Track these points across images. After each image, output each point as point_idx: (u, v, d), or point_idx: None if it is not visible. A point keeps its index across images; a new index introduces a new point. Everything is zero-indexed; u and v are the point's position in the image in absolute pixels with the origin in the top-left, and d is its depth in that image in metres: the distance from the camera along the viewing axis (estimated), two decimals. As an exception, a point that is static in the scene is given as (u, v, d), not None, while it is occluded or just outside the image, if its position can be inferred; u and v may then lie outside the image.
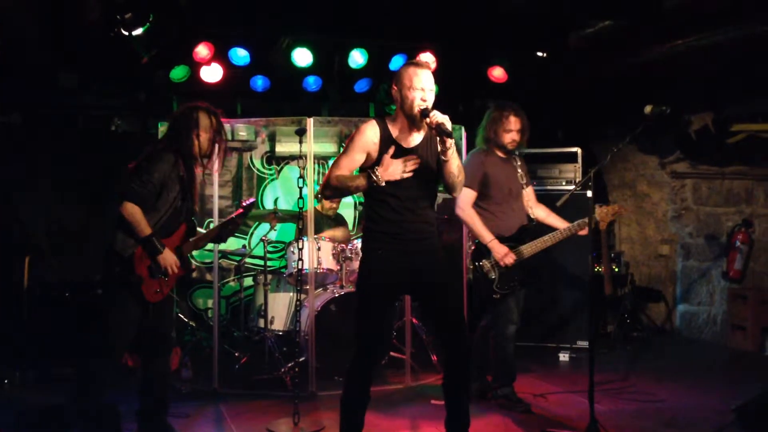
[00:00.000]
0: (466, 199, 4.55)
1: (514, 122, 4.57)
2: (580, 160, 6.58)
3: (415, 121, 3.45)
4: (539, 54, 6.38)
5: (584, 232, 4.42)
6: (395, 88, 3.49)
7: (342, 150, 3.53)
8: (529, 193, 4.78)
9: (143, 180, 3.70)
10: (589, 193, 3.99)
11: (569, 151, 6.61)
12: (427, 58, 6.42)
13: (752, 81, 5.88)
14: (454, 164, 3.45)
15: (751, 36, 5.06)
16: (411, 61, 3.63)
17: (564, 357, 6.19)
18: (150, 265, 3.74)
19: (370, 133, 3.46)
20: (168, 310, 4.00)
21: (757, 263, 6.93)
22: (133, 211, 3.66)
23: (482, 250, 4.57)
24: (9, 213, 5.61)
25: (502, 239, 4.55)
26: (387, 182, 3.38)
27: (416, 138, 3.53)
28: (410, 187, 3.45)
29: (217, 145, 3.98)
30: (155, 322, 3.90)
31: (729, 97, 6.37)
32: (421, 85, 3.41)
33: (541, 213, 4.77)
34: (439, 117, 3.31)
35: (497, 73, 6.61)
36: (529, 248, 4.55)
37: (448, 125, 3.31)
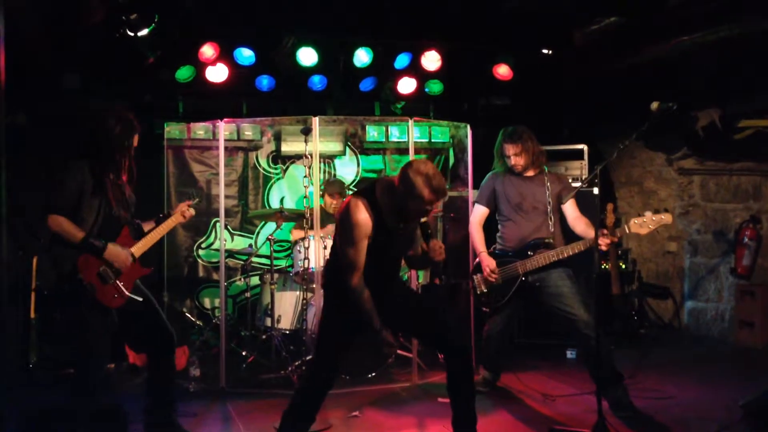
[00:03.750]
0: (475, 213, 4.97)
1: (507, 148, 4.72)
2: (586, 157, 6.57)
3: (403, 217, 3.47)
4: (545, 51, 6.37)
5: (604, 242, 4.25)
6: (401, 187, 3.36)
7: (346, 241, 3.43)
8: (567, 209, 4.65)
9: (58, 190, 3.69)
10: (596, 190, 3.99)
11: (575, 148, 6.60)
12: (432, 56, 6.42)
13: (759, 77, 5.85)
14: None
15: (757, 32, 5.04)
16: (434, 182, 3.33)
17: (571, 354, 6.17)
18: (98, 271, 3.69)
19: (367, 222, 3.40)
20: (151, 311, 3.93)
21: (765, 259, 6.90)
22: (59, 221, 3.63)
23: (479, 264, 4.81)
24: (16, 213, 5.63)
25: (504, 254, 4.75)
26: (371, 262, 3.43)
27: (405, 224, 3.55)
28: (392, 262, 3.69)
29: (124, 154, 3.88)
30: (148, 324, 3.90)
31: (736, 93, 6.34)
32: (431, 207, 3.41)
33: (578, 227, 4.60)
34: (438, 249, 3.49)
35: (503, 70, 6.60)
36: (524, 264, 4.62)
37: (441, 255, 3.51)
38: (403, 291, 3.86)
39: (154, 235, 4.02)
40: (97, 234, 3.73)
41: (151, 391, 3.95)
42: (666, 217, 4.22)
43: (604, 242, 4.22)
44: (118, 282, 3.76)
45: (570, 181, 6.38)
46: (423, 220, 3.46)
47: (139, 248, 3.92)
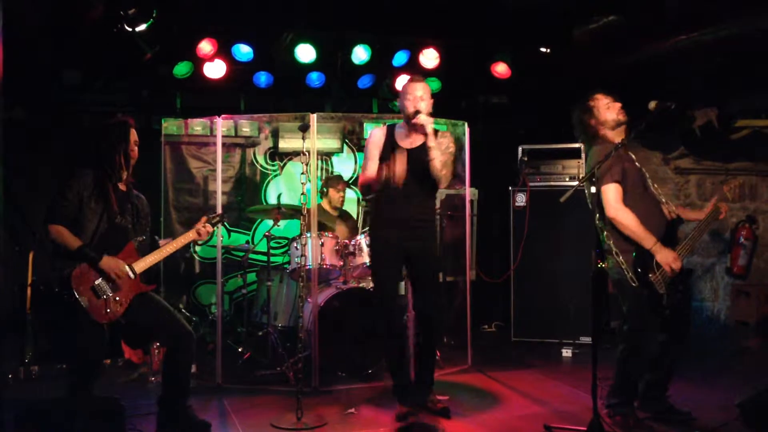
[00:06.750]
0: (615, 195, 3.95)
1: (603, 97, 4.17)
2: (583, 155, 6.58)
3: (412, 125, 4.15)
4: (543, 50, 6.37)
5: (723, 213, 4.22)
6: (399, 101, 4.27)
7: (364, 156, 4.37)
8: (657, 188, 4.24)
9: (59, 199, 3.70)
10: (593, 189, 3.97)
11: (572, 146, 6.60)
12: (430, 54, 6.43)
13: (756, 76, 5.86)
14: (437, 159, 4.06)
15: (756, 31, 5.04)
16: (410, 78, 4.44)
17: (567, 353, 6.19)
18: (93, 285, 3.67)
19: (377, 135, 4.31)
20: (157, 318, 3.93)
21: (761, 259, 6.92)
22: (58, 230, 3.65)
23: (646, 259, 3.90)
24: (13, 210, 5.62)
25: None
26: (390, 180, 4.06)
27: (417, 141, 4.20)
28: (407, 184, 4.11)
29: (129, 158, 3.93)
30: (158, 329, 3.96)
31: (733, 93, 6.36)
32: (415, 94, 4.16)
33: (673, 207, 4.22)
34: (422, 119, 4.05)
35: (500, 68, 6.61)
36: (684, 249, 4.01)
37: (427, 125, 4.06)
38: (425, 235, 4.27)
39: (161, 252, 3.95)
40: (98, 243, 3.72)
41: (167, 380, 3.97)
42: None
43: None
44: (113, 297, 3.72)
45: (567, 179, 6.39)
46: (417, 119, 4.04)
47: (141, 265, 3.86)
